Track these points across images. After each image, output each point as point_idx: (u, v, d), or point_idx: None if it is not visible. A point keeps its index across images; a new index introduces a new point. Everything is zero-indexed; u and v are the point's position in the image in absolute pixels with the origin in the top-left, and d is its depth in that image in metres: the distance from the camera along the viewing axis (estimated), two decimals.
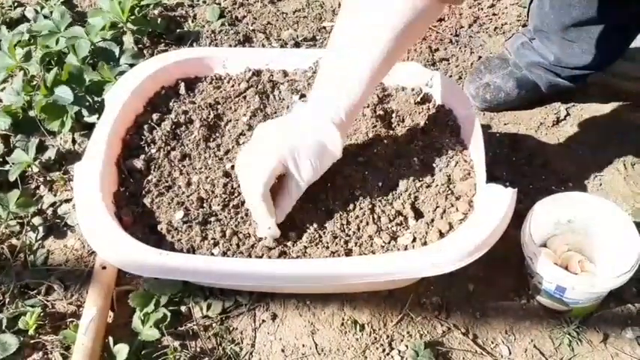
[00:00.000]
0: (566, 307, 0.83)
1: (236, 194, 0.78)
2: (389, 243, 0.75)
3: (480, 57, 1.22)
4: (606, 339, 0.85)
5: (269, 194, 0.69)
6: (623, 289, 0.86)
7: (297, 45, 1.24)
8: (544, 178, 1.03)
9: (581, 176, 1.03)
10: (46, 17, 1.25)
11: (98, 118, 0.89)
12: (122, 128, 0.85)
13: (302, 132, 0.69)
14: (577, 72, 1.05)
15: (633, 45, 1.03)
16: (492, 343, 0.85)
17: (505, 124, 1.12)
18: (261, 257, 0.73)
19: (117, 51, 1.15)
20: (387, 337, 0.84)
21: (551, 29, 1.01)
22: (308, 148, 0.68)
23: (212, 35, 1.25)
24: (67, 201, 1.00)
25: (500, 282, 0.90)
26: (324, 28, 1.28)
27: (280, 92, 0.91)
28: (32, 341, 0.83)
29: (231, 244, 0.74)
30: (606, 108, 1.13)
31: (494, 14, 1.32)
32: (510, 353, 0.84)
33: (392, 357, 0.82)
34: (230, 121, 0.88)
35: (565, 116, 1.12)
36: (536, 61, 1.07)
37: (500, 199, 0.74)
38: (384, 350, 0.83)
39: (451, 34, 1.27)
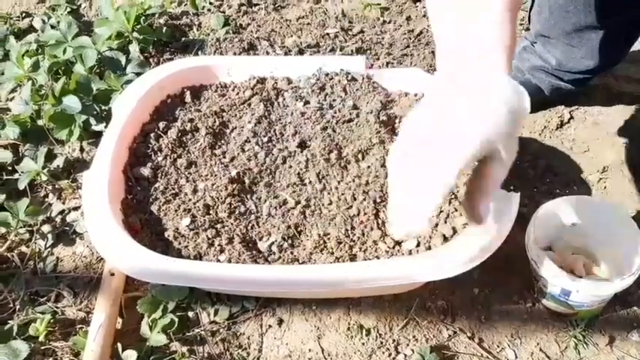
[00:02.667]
0: (572, 311, 0.83)
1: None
2: (393, 248, 0.76)
3: None
4: (612, 342, 0.85)
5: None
6: (628, 292, 0.85)
7: (300, 52, 1.25)
8: (548, 181, 1.03)
9: (586, 179, 1.03)
10: (53, 27, 1.27)
11: (105, 127, 0.90)
12: (129, 136, 0.86)
13: (494, 100, 0.51)
14: (580, 76, 1.05)
15: (636, 47, 1.04)
16: (498, 347, 0.85)
17: None
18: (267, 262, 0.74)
19: (123, 60, 1.16)
20: (393, 341, 0.85)
21: (553, 34, 1.01)
22: (507, 120, 0.51)
23: (217, 43, 1.26)
24: (76, 209, 1.01)
25: (505, 286, 0.90)
26: (328, 34, 1.29)
27: (285, 99, 0.92)
28: (42, 347, 0.84)
29: (237, 251, 0.75)
30: (610, 111, 1.13)
31: None
32: (516, 357, 0.84)
33: None
34: (235, 128, 0.89)
35: (569, 119, 1.12)
36: (538, 65, 1.08)
37: (504, 203, 0.74)
38: (390, 355, 0.83)
39: None
